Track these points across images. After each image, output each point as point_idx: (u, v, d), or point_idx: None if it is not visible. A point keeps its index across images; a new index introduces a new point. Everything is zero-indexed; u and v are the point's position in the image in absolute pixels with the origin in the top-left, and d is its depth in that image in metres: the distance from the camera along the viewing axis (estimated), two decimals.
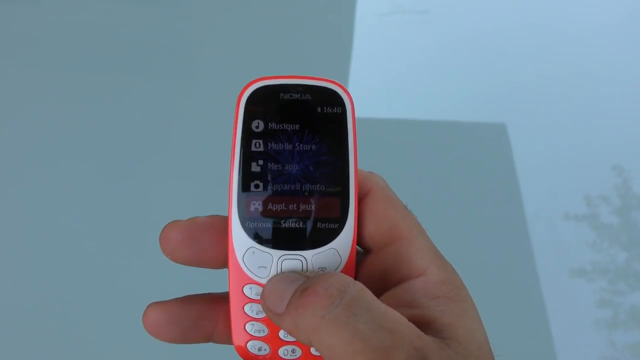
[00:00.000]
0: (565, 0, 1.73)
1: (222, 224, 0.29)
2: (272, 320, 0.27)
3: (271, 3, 1.63)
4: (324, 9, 1.62)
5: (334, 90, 0.30)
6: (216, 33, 1.53)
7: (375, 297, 0.26)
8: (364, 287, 0.26)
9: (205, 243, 0.29)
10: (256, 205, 0.29)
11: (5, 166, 1.25)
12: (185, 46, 1.52)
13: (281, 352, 0.29)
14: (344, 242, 0.29)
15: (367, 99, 1.41)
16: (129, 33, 1.52)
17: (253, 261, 0.28)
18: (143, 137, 1.31)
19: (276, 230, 0.29)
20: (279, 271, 0.28)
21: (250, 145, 0.29)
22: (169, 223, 0.29)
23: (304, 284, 0.26)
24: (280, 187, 0.29)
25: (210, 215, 0.30)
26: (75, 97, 1.38)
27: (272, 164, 0.29)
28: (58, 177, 1.23)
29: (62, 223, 1.17)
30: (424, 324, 0.26)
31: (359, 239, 0.30)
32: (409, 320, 0.26)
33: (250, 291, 0.29)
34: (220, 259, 0.29)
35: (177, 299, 0.30)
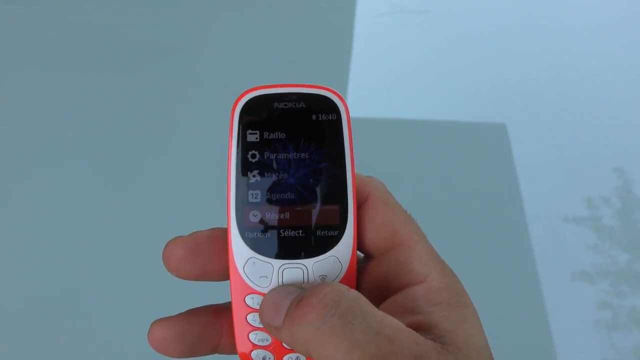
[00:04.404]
0: (565, 0, 1.73)
1: (223, 236, 0.29)
2: (271, 333, 0.28)
3: (271, 3, 1.63)
4: (323, 9, 1.62)
5: (328, 97, 0.30)
6: (216, 33, 1.53)
7: (371, 305, 0.26)
8: (359, 295, 0.26)
9: (208, 257, 0.29)
10: (255, 216, 0.29)
11: (5, 167, 1.25)
12: (185, 45, 1.52)
13: None
14: (344, 250, 0.29)
15: (367, 99, 1.41)
16: (129, 33, 1.52)
17: (254, 271, 0.29)
18: (141, 139, 1.31)
19: (276, 239, 0.29)
20: (280, 280, 0.28)
21: (247, 155, 0.29)
22: (170, 240, 0.29)
23: (298, 295, 0.26)
24: (278, 196, 0.29)
25: (211, 229, 0.30)
26: (74, 98, 1.38)
27: (269, 173, 0.29)
28: (54, 179, 1.23)
29: (59, 228, 1.17)
30: (424, 330, 0.26)
31: (360, 245, 0.30)
32: (410, 326, 0.26)
33: (252, 301, 0.29)
34: (225, 271, 0.29)
35: (181, 314, 0.30)
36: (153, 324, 0.30)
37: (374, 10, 1.65)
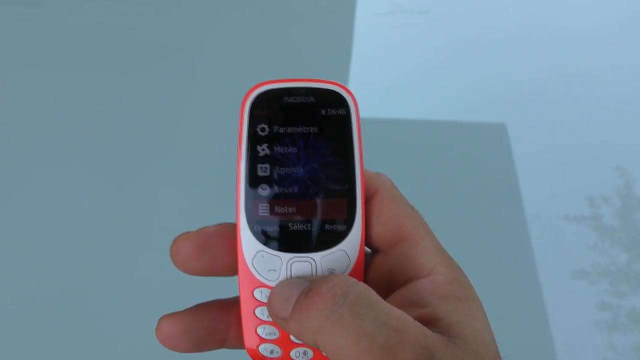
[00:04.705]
0: (565, 0, 1.73)
1: (232, 231, 0.29)
2: (280, 325, 0.27)
3: (271, 3, 1.63)
4: (323, 9, 1.62)
5: (338, 92, 0.30)
6: (217, 33, 1.53)
7: (379, 297, 0.26)
8: (368, 287, 0.26)
9: (216, 252, 0.29)
10: (264, 209, 0.29)
11: (5, 167, 1.25)
12: (186, 46, 1.52)
13: (293, 354, 0.29)
14: (352, 244, 0.29)
15: (367, 98, 1.41)
16: (129, 33, 1.52)
17: (262, 265, 0.29)
18: (146, 138, 1.31)
19: (284, 233, 0.29)
20: (288, 274, 0.29)
21: (256, 149, 0.29)
22: (178, 236, 0.29)
23: (307, 286, 0.26)
24: (288, 190, 0.29)
25: (219, 224, 0.30)
26: (74, 98, 1.38)
27: (279, 167, 0.29)
28: (55, 179, 1.23)
29: (65, 225, 1.17)
30: (431, 323, 0.27)
31: (367, 239, 0.30)
32: (417, 319, 0.26)
33: (260, 295, 0.29)
34: (233, 266, 0.29)
35: (188, 310, 0.30)
36: (161, 319, 0.30)
37: (374, 10, 1.65)
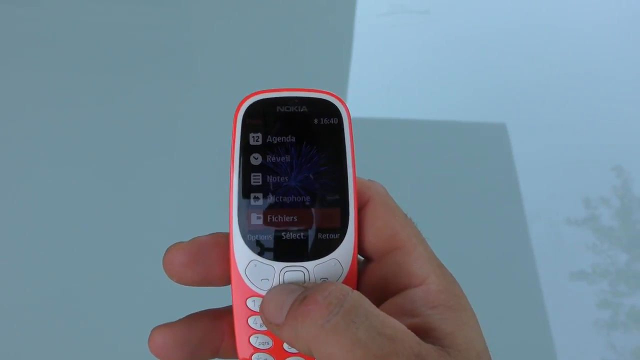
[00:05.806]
0: (565, 0, 1.73)
1: (225, 241, 0.29)
2: (272, 332, 0.27)
3: (270, 3, 1.63)
4: (323, 9, 1.62)
5: (330, 102, 0.30)
6: (216, 33, 1.53)
7: (373, 305, 0.26)
8: (362, 295, 0.26)
9: (209, 262, 0.29)
10: (257, 218, 0.29)
11: (5, 167, 1.25)
12: (185, 45, 1.52)
13: None
14: (345, 252, 0.29)
15: (367, 99, 1.41)
16: (129, 33, 1.52)
17: (255, 274, 0.29)
18: (141, 141, 1.31)
19: (277, 242, 0.29)
20: (281, 283, 0.29)
21: (249, 158, 0.29)
22: (171, 246, 0.30)
23: (302, 293, 0.26)
24: (280, 199, 0.29)
25: (212, 233, 0.30)
26: (74, 98, 1.38)
27: (271, 176, 0.29)
28: (53, 180, 1.23)
29: (56, 231, 1.16)
30: (424, 333, 0.27)
31: (360, 248, 0.30)
32: (409, 328, 0.26)
33: (253, 304, 0.29)
34: (226, 276, 0.30)
35: (181, 320, 0.30)
36: (153, 330, 0.30)
37: (374, 10, 1.65)
